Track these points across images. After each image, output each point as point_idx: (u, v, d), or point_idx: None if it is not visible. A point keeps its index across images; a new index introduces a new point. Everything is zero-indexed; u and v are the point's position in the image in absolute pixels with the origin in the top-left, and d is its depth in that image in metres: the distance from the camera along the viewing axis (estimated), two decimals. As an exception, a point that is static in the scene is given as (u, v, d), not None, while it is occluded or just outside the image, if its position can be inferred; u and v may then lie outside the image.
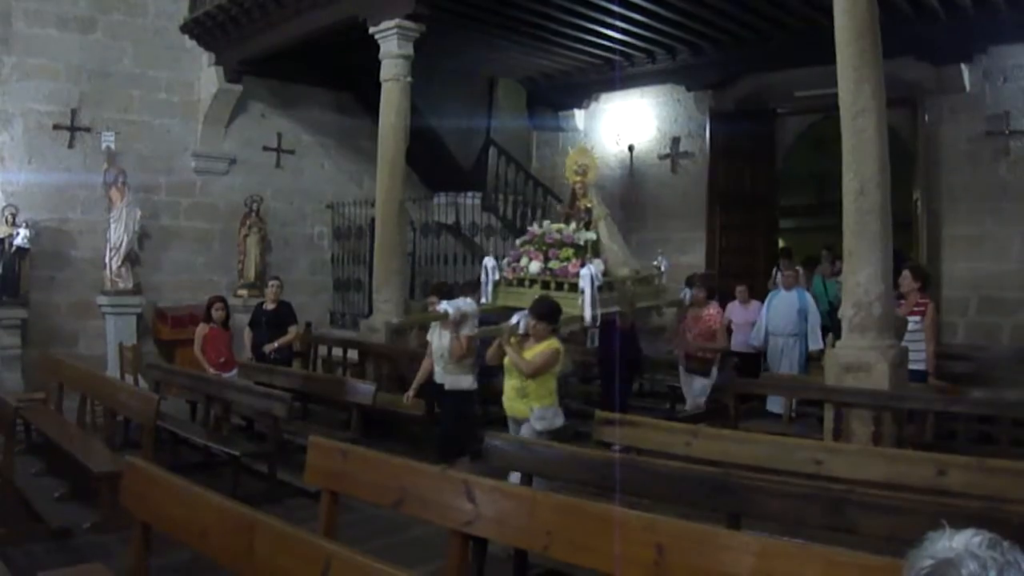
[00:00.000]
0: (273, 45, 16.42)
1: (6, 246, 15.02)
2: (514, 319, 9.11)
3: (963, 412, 9.55)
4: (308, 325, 16.26)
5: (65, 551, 7.86)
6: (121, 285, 16.16)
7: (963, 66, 15.14)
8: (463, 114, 20.01)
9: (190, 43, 17.72)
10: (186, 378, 12.31)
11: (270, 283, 14.14)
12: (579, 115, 20.69)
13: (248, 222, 18.03)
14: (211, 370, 12.28)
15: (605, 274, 11.16)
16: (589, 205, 11.86)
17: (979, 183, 15.18)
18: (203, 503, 5.24)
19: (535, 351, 8.75)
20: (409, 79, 14.03)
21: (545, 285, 11.32)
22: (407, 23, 13.63)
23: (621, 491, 6.48)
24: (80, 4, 16.58)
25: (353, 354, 14.68)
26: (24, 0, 15.98)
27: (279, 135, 18.97)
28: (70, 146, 16.33)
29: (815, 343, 13.27)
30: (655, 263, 12.46)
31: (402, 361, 13.37)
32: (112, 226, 16.07)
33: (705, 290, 12.63)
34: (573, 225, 11.76)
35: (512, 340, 8.90)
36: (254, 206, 18.07)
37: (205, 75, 17.85)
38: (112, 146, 16.38)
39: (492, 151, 20.19)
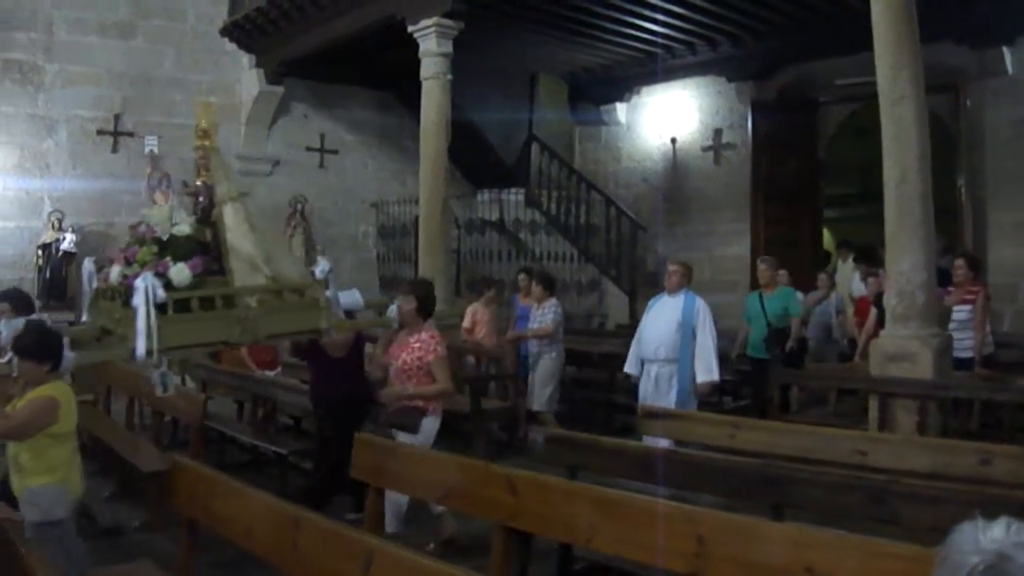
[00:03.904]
0: (313, 46, 16.47)
1: (53, 250, 15.18)
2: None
3: (1009, 400, 9.35)
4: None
5: (114, 549, 7.97)
6: (167, 287, 16.15)
7: (1005, 49, 14.90)
8: (505, 110, 19.96)
9: (230, 46, 17.84)
10: (233, 378, 12.38)
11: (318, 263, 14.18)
12: (621, 108, 20.63)
13: (293, 223, 18.08)
14: (256, 369, 12.35)
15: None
16: (208, 181, 7.28)
17: (1024, 167, 14.97)
18: (249, 500, 5.32)
19: (24, 400, 6.06)
20: (449, 77, 14.04)
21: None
22: (446, 21, 13.65)
23: (664, 484, 6.51)
24: (120, 11, 16.76)
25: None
26: (65, 9, 16.18)
27: (322, 135, 19.05)
28: (114, 151, 16.49)
29: (707, 372, 10.07)
30: (315, 268, 7.57)
31: (449, 358, 13.39)
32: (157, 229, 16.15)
33: (415, 301, 8.36)
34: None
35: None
36: (299, 207, 18.13)
37: (246, 78, 17.97)
38: (155, 150, 16.53)
39: (535, 146, 20.14)
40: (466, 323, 13.46)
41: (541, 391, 12.50)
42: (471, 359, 13.01)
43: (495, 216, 18.93)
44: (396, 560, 4.19)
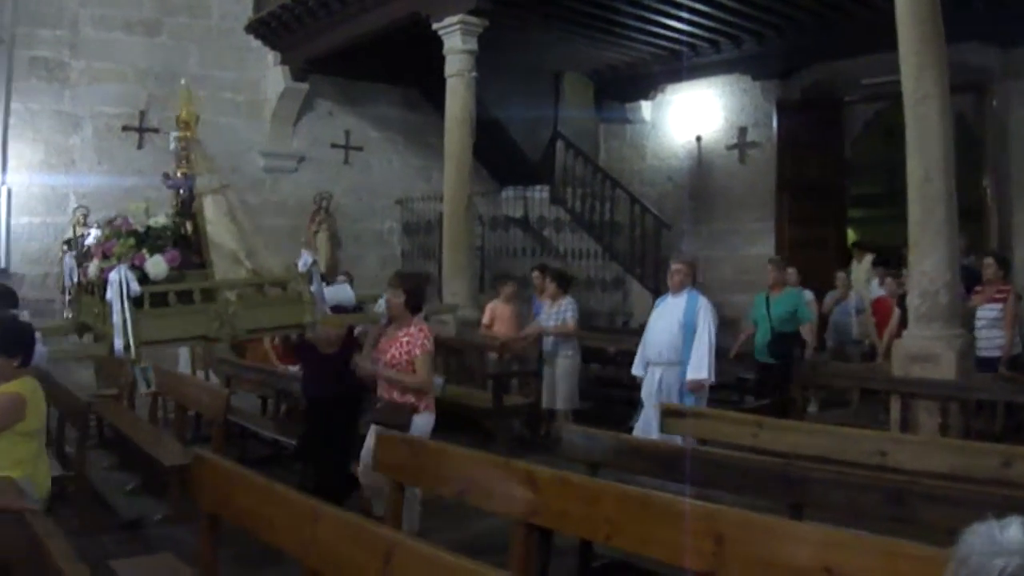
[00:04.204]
0: (338, 43, 16.51)
1: (78, 246, 15.23)
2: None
3: (1032, 403, 9.29)
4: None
5: (136, 542, 8.06)
6: (191, 282, 16.22)
7: (1032, 49, 14.85)
8: (530, 107, 19.97)
9: (255, 43, 17.89)
10: (257, 373, 12.44)
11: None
12: (646, 106, 20.62)
13: (318, 219, 18.16)
14: (279, 364, 12.41)
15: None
16: (186, 172, 7.10)
17: (1051, 169, 14.87)
18: (269, 494, 5.34)
19: None
20: (474, 74, 14.07)
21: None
22: (470, 18, 13.69)
23: (685, 482, 6.52)
24: (145, 8, 16.86)
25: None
26: (91, 6, 16.29)
27: (347, 132, 19.09)
28: (139, 147, 16.57)
29: (696, 369, 9.80)
30: (298, 262, 7.08)
31: (472, 354, 13.46)
32: (181, 224, 16.24)
33: (404, 295, 8.18)
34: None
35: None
36: (323, 203, 18.19)
37: (271, 74, 18.02)
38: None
39: (559, 144, 20.17)
40: (485, 319, 13.50)
41: (564, 390, 12.42)
42: (493, 355, 12.97)
43: (519, 213, 18.97)
44: (416, 554, 4.20)
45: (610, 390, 14.42)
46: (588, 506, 5.32)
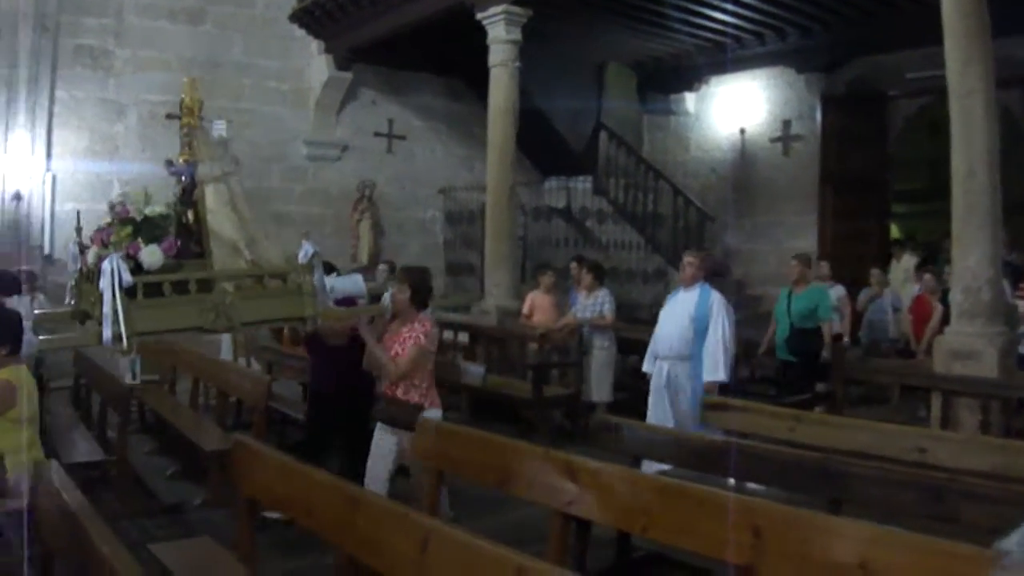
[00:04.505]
0: (382, 32, 16.58)
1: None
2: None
3: (1076, 401, 9.16)
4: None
5: (176, 526, 8.12)
6: (235, 269, 16.29)
7: (1082, 44, 14.69)
8: (573, 98, 19.99)
9: (299, 32, 17.99)
10: (298, 360, 12.49)
11: (379, 267, 14.37)
12: (690, 98, 20.62)
13: (360, 207, 18.24)
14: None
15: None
16: (187, 159, 7.03)
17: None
18: (308, 480, 5.38)
19: None
20: (518, 64, 14.10)
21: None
22: (514, 8, 13.72)
23: (724, 475, 6.53)
24: (189, -3, 16.98)
25: (464, 337, 14.80)
26: (135, -5, 16.40)
27: (390, 121, 19.16)
28: (183, 135, 16.61)
29: (713, 371, 9.65)
30: (300, 253, 6.87)
31: (513, 344, 13.47)
32: (225, 212, 16.34)
33: (409, 290, 7.70)
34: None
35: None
36: (366, 191, 18.26)
37: (315, 63, 18.12)
38: (224, 134, 16.62)
39: (603, 135, 20.19)
40: (525, 309, 13.51)
41: (599, 382, 12.37)
42: (533, 346, 12.97)
43: (562, 204, 18.94)
44: (452, 541, 4.23)
45: (648, 382, 14.39)
46: (627, 497, 5.33)
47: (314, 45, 18.03)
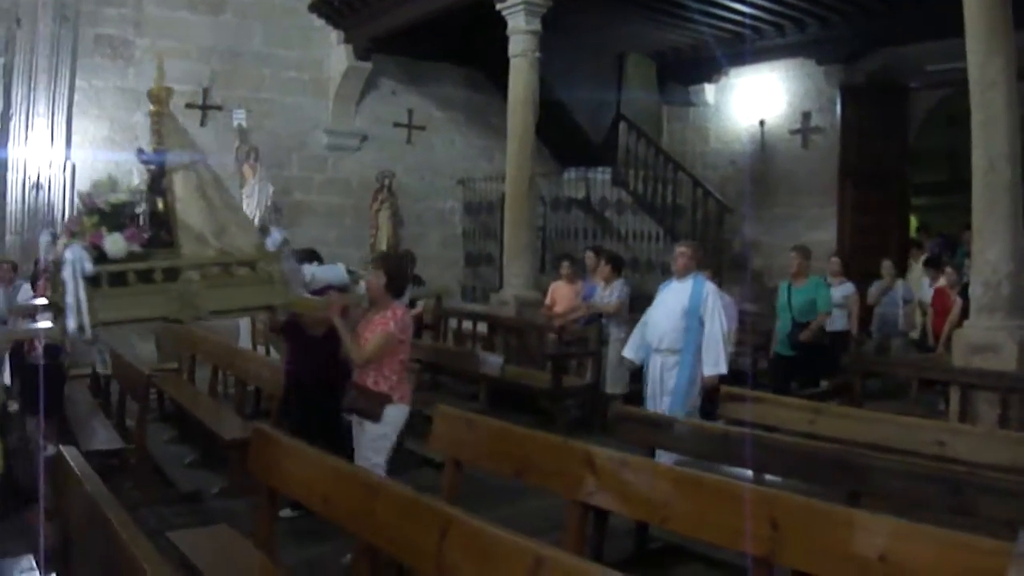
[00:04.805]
0: (401, 22, 16.51)
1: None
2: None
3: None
4: (438, 298, 16.42)
5: (194, 514, 8.16)
6: (254, 258, 16.33)
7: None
8: (592, 88, 19.99)
9: (319, 22, 17.96)
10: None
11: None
12: (709, 89, 20.57)
13: (380, 197, 18.22)
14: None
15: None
16: (159, 147, 6.97)
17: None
18: (328, 469, 5.41)
19: None
20: (537, 54, 14.08)
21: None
22: (534, -2, 13.68)
23: (742, 466, 6.53)
24: (209, -14, 17.00)
25: (483, 327, 14.83)
26: (155, -15, 16.42)
27: (410, 111, 19.15)
28: (202, 124, 16.66)
29: (713, 365, 9.46)
30: (268, 240, 6.82)
31: (531, 335, 13.49)
32: (245, 201, 16.35)
33: (385, 277, 7.53)
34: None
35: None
36: (386, 181, 18.25)
37: (335, 53, 18.11)
38: (244, 124, 16.71)
39: (622, 126, 20.14)
40: (548, 300, 13.53)
41: (615, 373, 12.25)
42: (552, 336, 12.97)
43: (581, 194, 18.96)
44: (471, 530, 4.24)
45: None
46: (645, 488, 5.35)
47: (334, 35, 18.02)
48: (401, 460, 9.69)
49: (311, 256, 8.72)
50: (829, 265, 13.37)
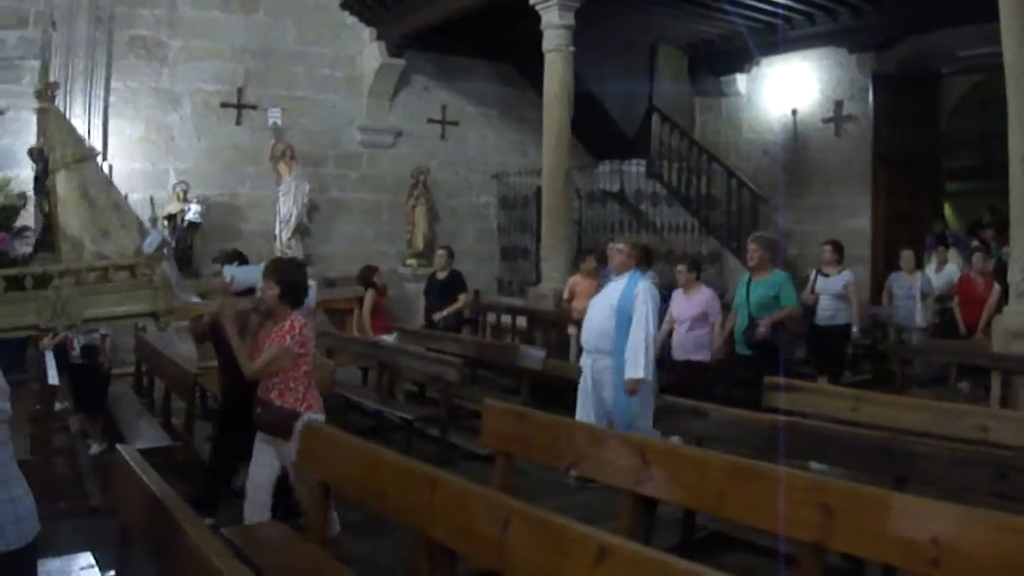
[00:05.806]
0: (433, 19, 16.58)
1: (178, 221, 15.51)
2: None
3: None
4: (476, 293, 16.48)
5: (241, 510, 8.22)
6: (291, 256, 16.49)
7: None
8: (625, 81, 20.06)
9: (351, 19, 18.06)
10: (358, 345, 12.62)
11: (438, 252, 14.53)
12: (741, 80, 20.59)
13: (415, 193, 18.32)
14: (372, 335, 12.64)
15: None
16: (40, 147, 6.38)
17: None
18: (383, 463, 5.47)
19: None
20: (571, 48, 14.14)
21: None
22: (568, -7, 13.71)
23: (788, 455, 6.58)
24: (241, -14, 17.14)
25: (521, 321, 14.91)
26: (188, -14, 16.58)
27: (443, 107, 19.26)
28: (237, 123, 16.83)
29: (632, 368, 8.93)
30: (146, 242, 6.17)
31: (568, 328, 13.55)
32: (281, 199, 16.51)
33: (278, 287, 6.95)
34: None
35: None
36: (421, 177, 18.34)
37: (367, 50, 18.20)
38: (278, 122, 16.84)
39: (655, 117, 20.15)
40: (565, 294, 13.51)
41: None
42: (572, 330, 12.99)
43: (616, 187, 18.99)
44: (533, 521, 4.30)
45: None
46: (696, 477, 5.41)
47: (366, 32, 18.10)
48: (447, 454, 9.84)
49: (233, 257, 8.44)
50: (821, 253, 12.84)
